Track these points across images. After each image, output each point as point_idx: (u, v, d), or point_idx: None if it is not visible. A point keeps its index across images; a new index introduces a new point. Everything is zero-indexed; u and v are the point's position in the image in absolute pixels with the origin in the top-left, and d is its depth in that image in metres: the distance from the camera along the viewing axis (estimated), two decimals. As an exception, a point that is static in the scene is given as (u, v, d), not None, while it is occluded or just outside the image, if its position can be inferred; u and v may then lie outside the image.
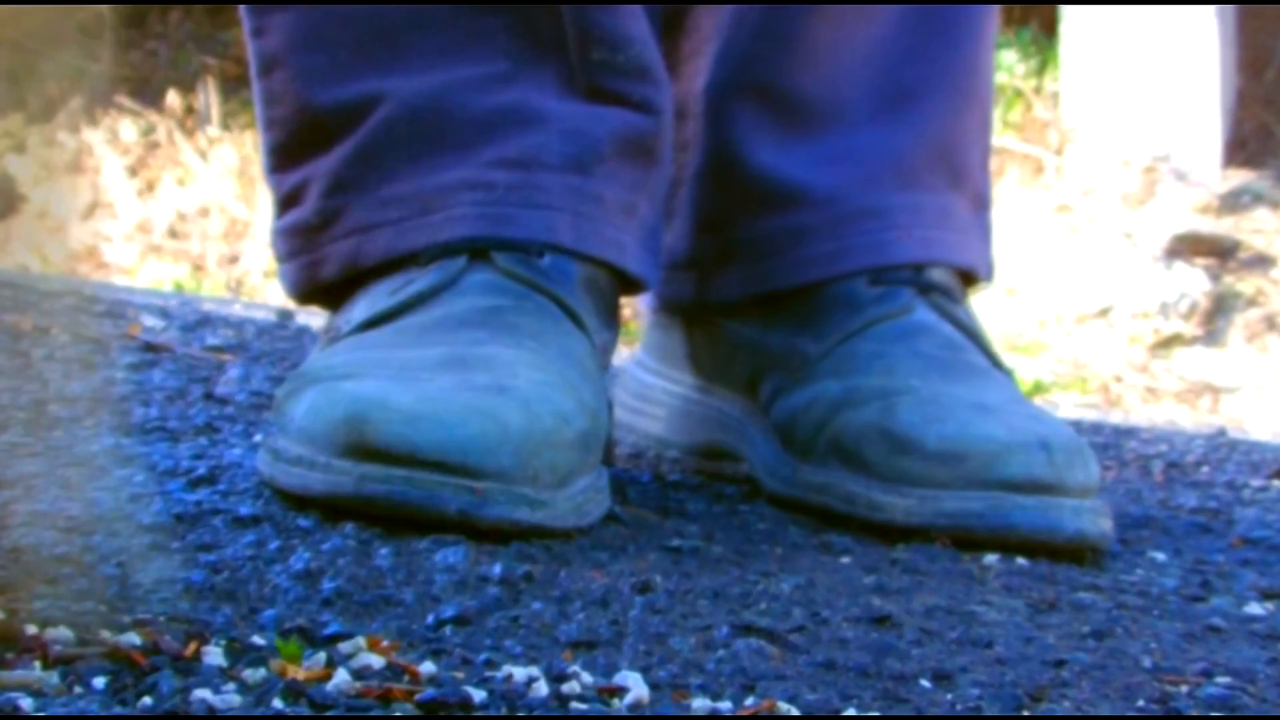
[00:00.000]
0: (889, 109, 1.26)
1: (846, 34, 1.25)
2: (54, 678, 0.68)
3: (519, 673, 0.74)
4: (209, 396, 1.40)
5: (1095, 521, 1.11)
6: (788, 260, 1.24)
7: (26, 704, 0.65)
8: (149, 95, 4.58)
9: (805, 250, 1.24)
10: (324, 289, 1.18)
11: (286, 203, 1.19)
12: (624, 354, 1.41)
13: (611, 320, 1.19)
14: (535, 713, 0.70)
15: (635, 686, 0.73)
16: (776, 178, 1.24)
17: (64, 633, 0.73)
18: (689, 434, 1.31)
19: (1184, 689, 0.81)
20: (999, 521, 1.09)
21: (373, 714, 0.68)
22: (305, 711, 0.68)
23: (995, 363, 1.21)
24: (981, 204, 1.30)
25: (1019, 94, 3.96)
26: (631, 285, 1.21)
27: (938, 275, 1.23)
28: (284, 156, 1.19)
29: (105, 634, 0.74)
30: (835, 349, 1.20)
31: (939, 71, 1.27)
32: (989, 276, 1.30)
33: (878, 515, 1.11)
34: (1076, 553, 1.10)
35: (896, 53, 1.26)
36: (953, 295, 1.23)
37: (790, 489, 1.19)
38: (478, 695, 0.70)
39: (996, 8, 1.31)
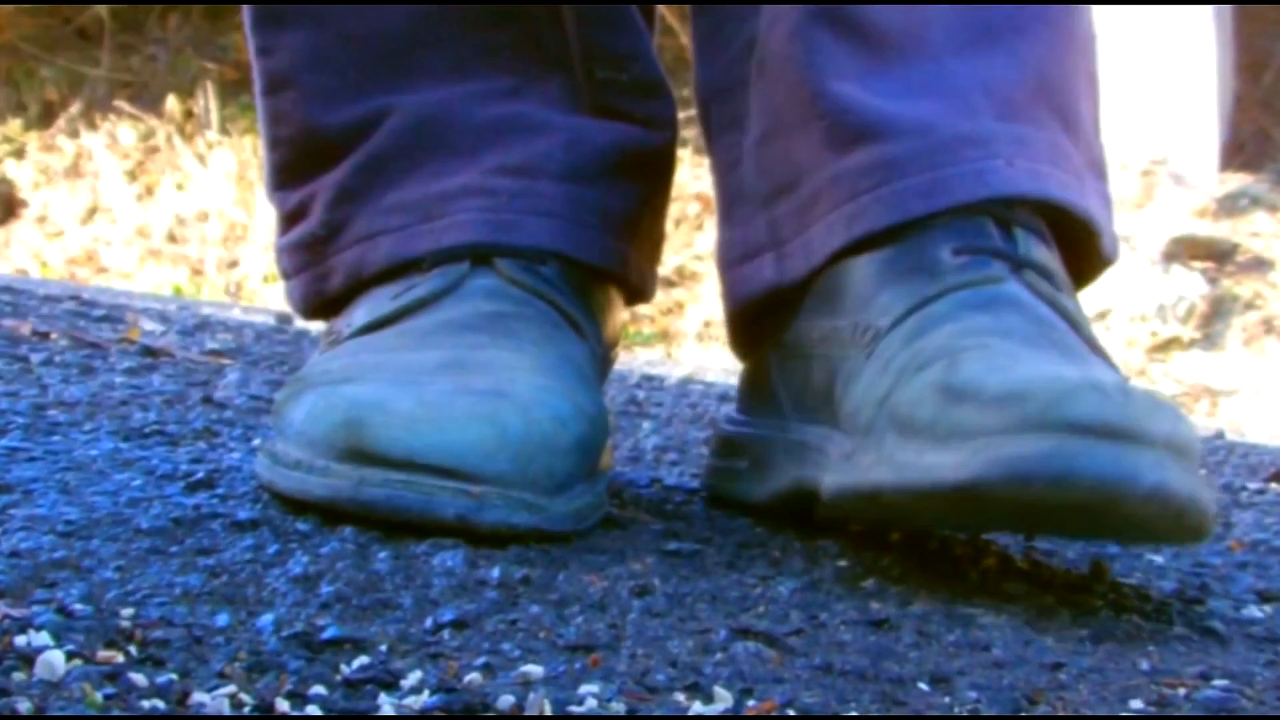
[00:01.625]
0: (979, 41, 1.11)
1: None
2: (51, 681, 0.69)
3: (516, 675, 0.74)
4: (207, 401, 1.40)
5: (1184, 478, 0.89)
6: (878, 196, 1.08)
7: (24, 706, 0.65)
8: (148, 100, 4.59)
9: (897, 183, 1.07)
10: (331, 302, 1.18)
11: (291, 219, 1.19)
12: (622, 356, 1.41)
13: (611, 328, 1.20)
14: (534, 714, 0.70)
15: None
16: (861, 109, 1.09)
17: (62, 637, 0.74)
18: (770, 479, 1.14)
19: (1181, 692, 0.81)
20: (1062, 468, 0.87)
21: (375, 715, 0.68)
22: (300, 713, 0.68)
23: (1095, 349, 1.05)
24: (1098, 169, 1.15)
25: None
26: (633, 295, 1.22)
27: (1038, 254, 1.06)
28: (289, 174, 1.19)
29: (103, 638, 0.74)
30: (907, 318, 1.03)
31: (1031, 9, 1.13)
32: (1115, 253, 1.15)
33: (926, 479, 0.92)
34: (1151, 521, 0.90)
35: None
36: (1053, 279, 1.06)
37: (844, 477, 1.00)
38: (477, 699, 0.70)
39: None
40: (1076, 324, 1.04)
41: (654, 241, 1.23)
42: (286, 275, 1.21)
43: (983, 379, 0.92)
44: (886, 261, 1.07)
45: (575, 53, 1.18)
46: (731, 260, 1.17)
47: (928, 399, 0.94)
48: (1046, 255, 1.07)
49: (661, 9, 1.26)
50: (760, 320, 1.17)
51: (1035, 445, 0.88)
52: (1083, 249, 1.13)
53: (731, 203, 1.17)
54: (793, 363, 1.14)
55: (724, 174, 1.18)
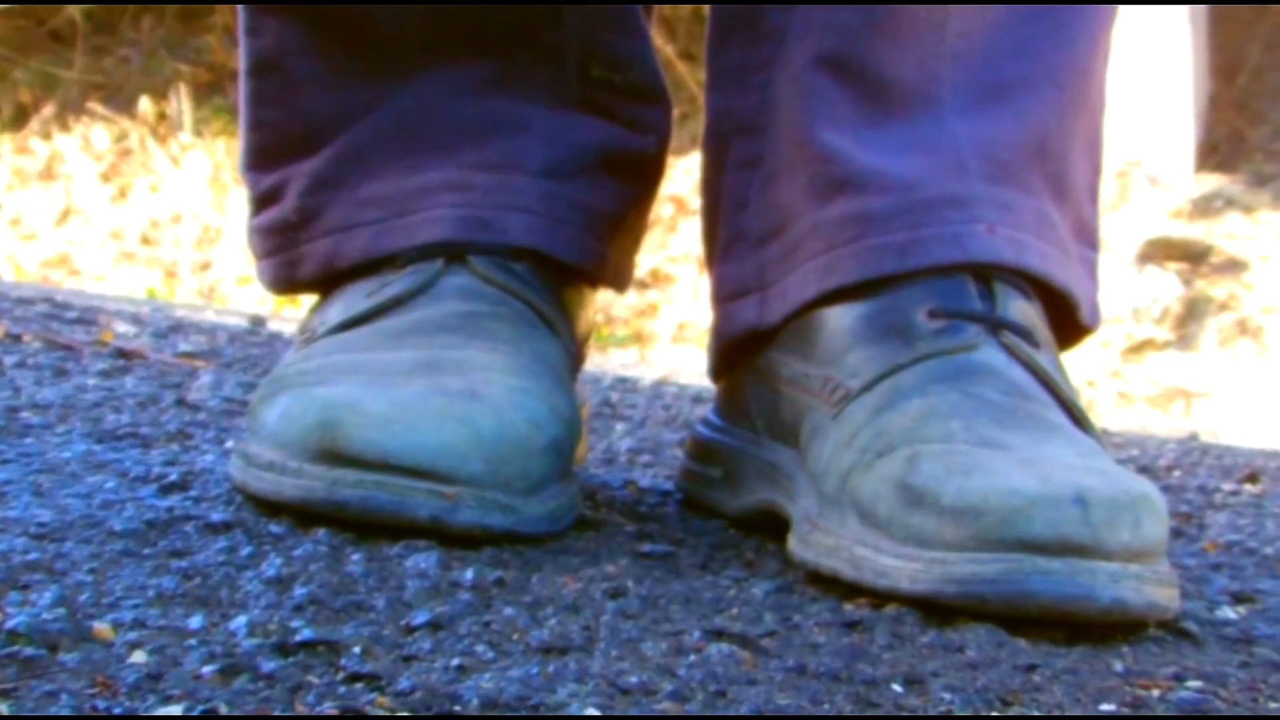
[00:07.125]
0: (986, 100, 1.10)
1: (948, 18, 1.10)
2: (29, 681, 0.68)
3: (489, 677, 0.74)
4: (181, 403, 1.39)
5: (1142, 588, 0.91)
6: (853, 250, 1.07)
7: (1, 708, 0.65)
8: (121, 102, 4.58)
9: (873, 239, 1.07)
10: (302, 285, 1.19)
11: (264, 200, 1.19)
12: (596, 358, 1.41)
13: (584, 324, 1.19)
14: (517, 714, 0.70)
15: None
16: (848, 160, 1.08)
17: (37, 638, 0.73)
18: (742, 494, 1.14)
19: (1155, 693, 0.82)
20: (1016, 588, 0.90)
21: (351, 714, 0.68)
22: (276, 714, 0.68)
23: (1077, 419, 1.04)
24: (1087, 237, 1.15)
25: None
26: (606, 285, 1.21)
27: (1017, 311, 1.05)
28: (266, 156, 1.19)
29: (76, 641, 0.74)
30: (877, 384, 1.03)
31: (1045, 69, 1.12)
32: (1095, 322, 1.15)
33: (882, 582, 0.93)
34: (1114, 626, 0.92)
35: (1001, 45, 1.11)
36: (1032, 338, 1.05)
37: (804, 550, 1.00)
38: (449, 700, 0.70)
39: (1115, 10, 1.16)
40: (1054, 386, 1.04)
41: (633, 238, 1.23)
42: (258, 256, 1.21)
43: (941, 484, 0.93)
44: (860, 317, 1.07)
45: (572, 48, 1.16)
46: (723, 297, 1.16)
47: (886, 495, 0.95)
48: (1026, 311, 1.07)
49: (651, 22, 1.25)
50: (741, 349, 1.17)
51: (990, 565, 0.90)
52: (1061, 318, 1.12)
53: (732, 240, 1.15)
54: (764, 389, 1.14)
55: (731, 211, 1.15)
